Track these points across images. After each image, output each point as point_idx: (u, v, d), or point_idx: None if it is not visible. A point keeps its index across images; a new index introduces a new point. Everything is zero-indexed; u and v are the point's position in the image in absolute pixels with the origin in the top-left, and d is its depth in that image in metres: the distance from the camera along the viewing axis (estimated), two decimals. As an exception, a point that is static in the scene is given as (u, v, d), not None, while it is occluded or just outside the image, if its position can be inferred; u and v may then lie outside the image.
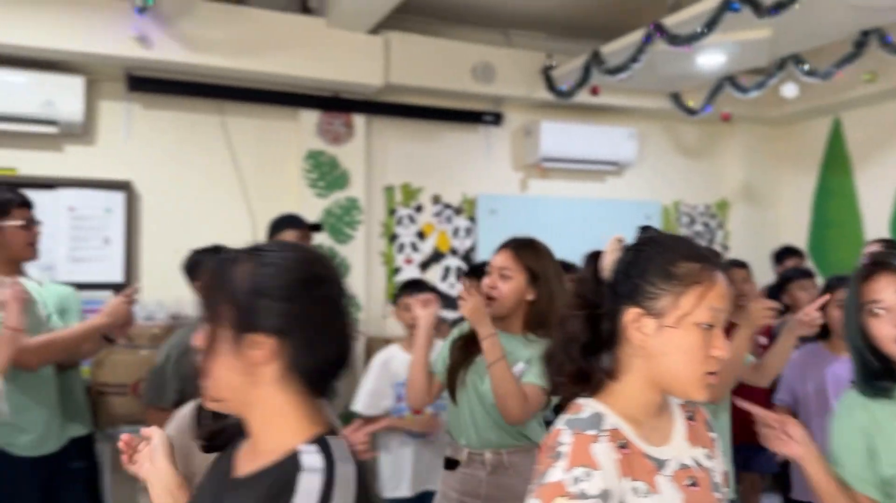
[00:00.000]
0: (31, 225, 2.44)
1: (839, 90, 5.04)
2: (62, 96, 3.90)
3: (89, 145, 4.18)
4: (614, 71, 4.35)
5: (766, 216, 6.01)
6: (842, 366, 2.66)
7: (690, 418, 1.27)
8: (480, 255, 5.02)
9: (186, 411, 2.00)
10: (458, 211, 5.10)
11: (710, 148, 6.00)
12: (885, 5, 3.51)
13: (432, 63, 4.69)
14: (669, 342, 1.15)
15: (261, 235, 4.30)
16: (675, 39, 3.91)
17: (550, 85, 4.91)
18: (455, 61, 4.76)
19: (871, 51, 4.07)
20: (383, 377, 3.36)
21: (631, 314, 1.17)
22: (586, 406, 1.18)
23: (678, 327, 1.14)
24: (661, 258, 1.18)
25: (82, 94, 3.95)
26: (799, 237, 5.78)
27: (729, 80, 4.87)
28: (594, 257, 1.29)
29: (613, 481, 1.09)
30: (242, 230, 4.40)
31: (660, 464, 1.17)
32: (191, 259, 3.08)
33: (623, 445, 1.14)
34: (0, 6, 3.62)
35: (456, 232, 5.06)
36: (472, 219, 5.12)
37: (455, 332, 2.42)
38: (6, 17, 3.64)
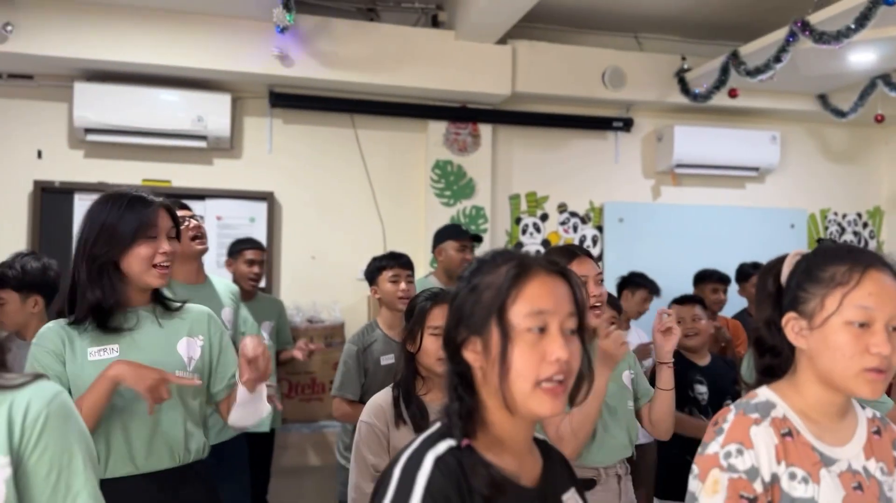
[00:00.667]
0: (182, 222, 2.69)
1: None
2: (211, 113, 4.19)
3: (235, 158, 4.47)
4: (755, 72, 4.14)
5: (926, 225, 5.51)
6: None
7: (877, 432, 1.30)
8: (608, 265, 4.92)
9: (383, 399, 2.09)
10: (584, 219, 5.02)
11: (861, 152, 5.58)
12: None
13: (560, 70, 4.66)
14: (822, 342, 1.21)
15: (391, 242, 4.44)
16: (821, 37, 3.67)
17: (685, 88, 4.75)
18: (583, 67, 4.71)
19: None
20: None
21: (787, 318, 1.27)
22: (761, 394, 1.29)
23: (825, 327, 1.20)
24: (812, 264, 1.26)
25: (229, 110, 4.23)
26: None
27: (882, 79, 4.52)
28: (771, 269, 1.38)
29: (766, 462, 1.18)
30: (374, 238, 4.55)
31: (827, 461, 1.22)
32: (371, 266, 3.23)
33: (787, 433, 1.22)
34: (156, 30, 3.96)
35: (582, 241, 4.99)
36: (599, 227, 5.03)
37: None
38: (162, 40, 3.98)
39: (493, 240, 4.77)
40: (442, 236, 3.93)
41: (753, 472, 1.17)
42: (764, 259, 3.52)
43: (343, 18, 4.31)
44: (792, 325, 1.26)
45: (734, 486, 1.16)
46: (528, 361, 1.02)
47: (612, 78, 4.73)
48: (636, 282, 4.13)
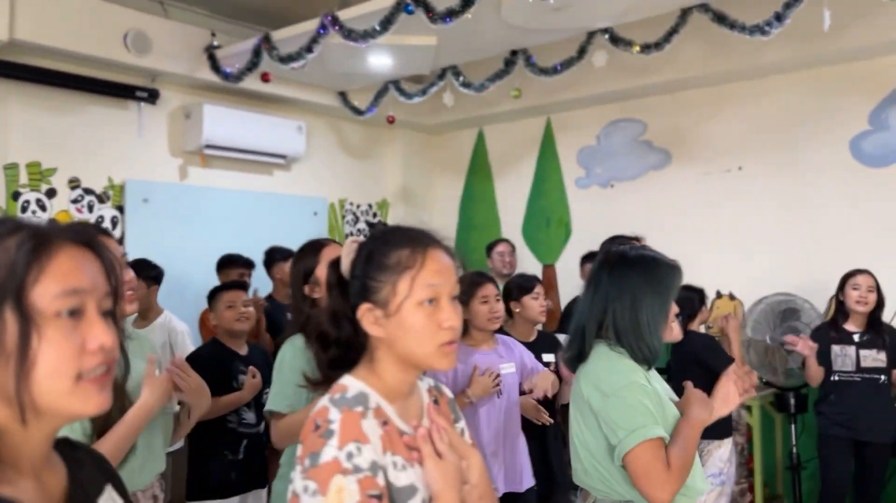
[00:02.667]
0: None
1: (484, 104, 5.53)
2: None
3: None
4: (287, 59, 4.18)
5: (421, 217, 6.36)
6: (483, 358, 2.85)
7: (435, 401, 1.37)
8: (130, 249, 4.43)
9: None
10: (102, 198, 4.43)
11: (374, 149, 6.15)
12: (533, 27, 3.90)
13: (74, 23, 4.01)
14: (399, 327, 1.23)
15: None
16: (350, 34, 3.88)
17: (215, 66, 4.55)
18: (103, 24, 4.13)
19: (518, 69, 4.54)
20: None
21: (361, 310, 1.25)
22: (351, 386, 1.24)
23: (401, 312, 1.22)
24: (376, 252, 1.26)
25: None
26: (448, 238, 6.23)
27: (394, 84, 5.03)
28: (336, 262, 1.32)
29: (379, 455, 1.17)
30: None
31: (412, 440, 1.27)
32: None
33: (385, 422, 1.22)
34: None
35: (100, 221, 4.39)
36: (119, 208, 4.50)
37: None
38: None
39: (-21, 217, 3.87)
40: None
41: (375, 468, 1.15)
42: (291, 244, 3.57)
43: None
44: (367, 316, 1.25)
45: (363, 486, 1.12)
46: (65, 353, 0.82)
47: (135, 41, 4.26)
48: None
